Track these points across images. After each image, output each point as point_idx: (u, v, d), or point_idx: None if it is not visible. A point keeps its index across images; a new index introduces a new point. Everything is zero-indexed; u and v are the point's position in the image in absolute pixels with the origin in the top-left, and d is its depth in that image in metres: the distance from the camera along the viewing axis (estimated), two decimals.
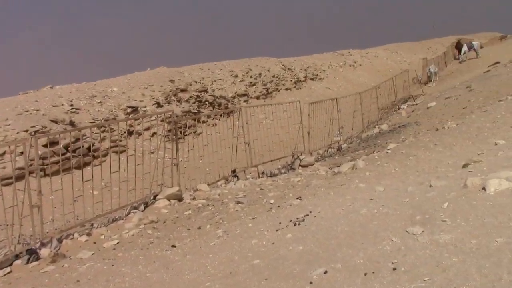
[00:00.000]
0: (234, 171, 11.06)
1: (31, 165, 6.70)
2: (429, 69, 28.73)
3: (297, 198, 6.76)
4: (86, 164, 12.78)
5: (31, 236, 6.71)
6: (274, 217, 5.78)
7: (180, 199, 8.40)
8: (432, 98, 19.49)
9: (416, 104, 20.47)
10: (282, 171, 12.70)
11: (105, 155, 13.68)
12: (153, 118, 15.55)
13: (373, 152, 11.30)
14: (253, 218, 6.07)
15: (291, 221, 5.22)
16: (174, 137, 9.02)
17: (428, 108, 16.96)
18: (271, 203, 6.92)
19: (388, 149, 9.53)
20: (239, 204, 7.34)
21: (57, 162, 12.34)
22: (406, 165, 7.51)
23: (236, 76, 24.56)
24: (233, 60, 27.33)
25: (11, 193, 6.39)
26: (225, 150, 11.07)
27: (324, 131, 14.72)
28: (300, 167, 12.52)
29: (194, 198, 8.47)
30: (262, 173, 12.08)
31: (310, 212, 5.43)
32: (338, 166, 9.93)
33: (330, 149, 15.14)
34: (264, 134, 12.35)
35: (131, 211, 7.90)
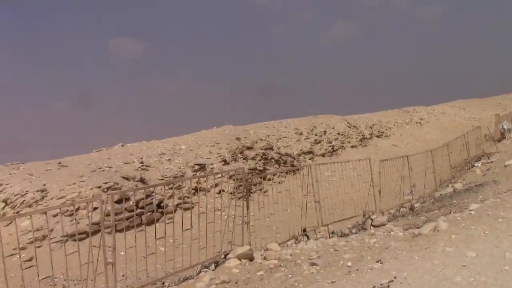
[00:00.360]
0: (304, 230, 10.75)
1: (105, 221, 6.74)
2: (502, 125, 27.52)
3: (377, 262, 6.36)
4: (156, 221, 12.91)
5: None
6: (355, 281, 5.43)
7: (251, 258, 8.16)
8: (509, 155, 18.53)
9: (491, 162, 19.51)
10: (353, 231, 12.23)
11: (173, 212, 13.78)
12: (220, 175, 15.62)
13: (450, 212, 10.70)
14: (332, 282, 5.73)
15: (374, 287, 4.86)
16: (245, 194, 8.90)
17: (505, 166, 16.09)
18: (349, 266, 6.55)
19: (470, 210, 8.94)
20: (314, 266, 7.00)
21: (128, 218, 12.63)
22: (496, 228, 6.96)
23: (301, 133, 24.54)
24: (298, 118, 27.44)
25: (84, 249, 6.43)
26: (294, 208, 10.82)
27: (395, 189, 14.19)
28: (371, 227, 12.03)
29: (265, 258, 8.21)
30: (332, 232, 11.68)
31: (395, 277, 5.06)
32: (415, 227, 9.41)
33: (402, 209, 14.52)
34: (334, 192, 12.03)
35: (202, 270, 7.73)
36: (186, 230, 7.86)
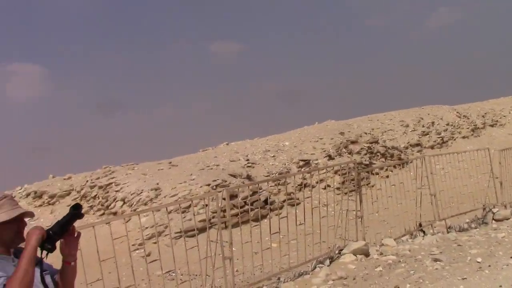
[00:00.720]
0: (420, 225, 10.21)
1: (223, 216, 6.82)
2: None
3: None
4: (263, 217, 12.98)
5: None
6: (490, 278, 4.98)
7: (366, 254, 7.87)
8: None
9: None
10: (473, 225, 11.43)
11: (280, 208, 13.79)
12: (325, 171, 15.36)
13: None
14: (462, 278, 5.31)
15: None
16: (358, 188, 8.62)
17: None
18: (479, 262, 6.05)
19: None
20: (437, 262, 6.57)
21: (237, 215, 12.83)
22: None
23: (407, 126, 23.53)
24: (403, 109, 26.33)
25: (200, 244, 6.50)
26: (408, 202, 10.31)
27: None
28: (493, 221, 11.18)
29: (381, 254, 7.88)
30: (449, 227, 10.99)
31: None
32: None
33: None
34: (450, 185, 11.32)
35: (317, 266, 7.58)
36: (300, 225, 7.74)
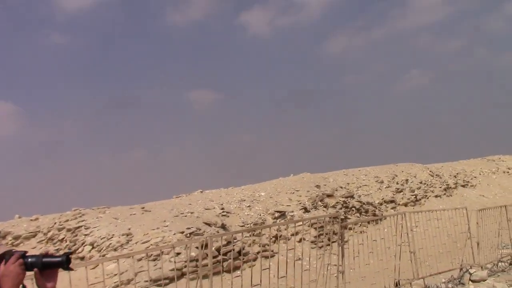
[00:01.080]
0: (397, 284, 10.02)
1: (204, 265, 6.53)
2: None
3: None
4: (236, 268, 12.59)
5: None
6: None
7: None
8: None
9: None
10: (449, 285, 11.29)
11: (254, 260, 13.43)
12: (302, 222, 15.15)
13: None
14: None
15: None
16: (341, 242, 8.43)
17: None
18: None
19: None
20: None
21: (207, 265, 12.41)
22: None
23: (382, 182, 23.68)
24: (378, 166, 26.60)
25: None
26: (383, 259, 10.14)
27: (493, 242, 13.09)
28: (470, 282, 11.10)
29: None
30: (427, 287, 10.83)
31: None
32: None
33: (500, 263, 13.34)
34: (430, 243, 11.24)
35: None
36: (282, 277, 7.45)
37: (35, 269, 2.22)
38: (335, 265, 8.13)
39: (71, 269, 2.45)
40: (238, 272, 12.24)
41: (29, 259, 2.21)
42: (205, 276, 9.24)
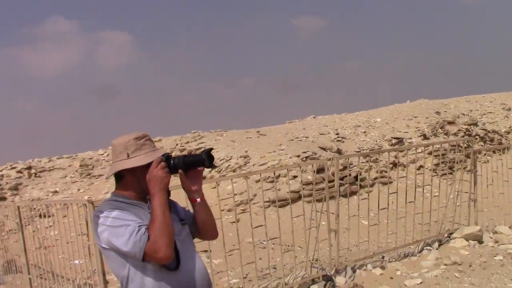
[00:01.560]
0: None
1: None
2: None
3: None
4: (353, 193, 12.45)
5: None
6: None
7: (479, 240, 7.20)
8: None
9: None
10: None
11: (371, 185, 13.17)
12: (420, 150, 14.48)
13: None
14: None
15: None
16: (473, 168, 7.87)
17: None
18: None
19: None
20: None
21: (323, 189, 12.37)
22: None
23: (509, 109, 21.81)
24: (504, 92, 24.47)
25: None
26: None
27: None
28: None
29: (496, 242, 7.17)
30: None
31: None
32: None
33: None
34: None
35: (424, 248, 7.02)
36: (410, 202, 7.16)
37: (180, 171, 2.18)
38: (465, 192, 7.62)
39: (214, 166, 2.39)
40: (355, 197, 12.10)
41: (172, 161, 2.16)
42: (319, 200, 9.22)
